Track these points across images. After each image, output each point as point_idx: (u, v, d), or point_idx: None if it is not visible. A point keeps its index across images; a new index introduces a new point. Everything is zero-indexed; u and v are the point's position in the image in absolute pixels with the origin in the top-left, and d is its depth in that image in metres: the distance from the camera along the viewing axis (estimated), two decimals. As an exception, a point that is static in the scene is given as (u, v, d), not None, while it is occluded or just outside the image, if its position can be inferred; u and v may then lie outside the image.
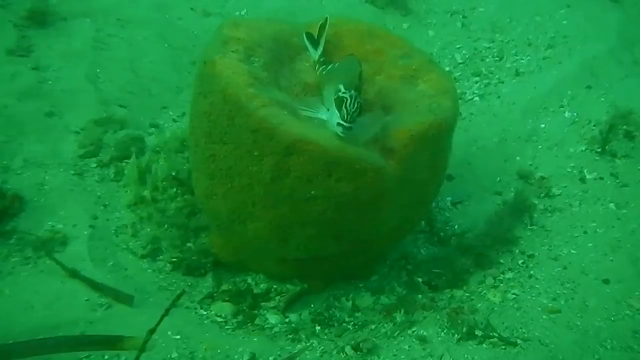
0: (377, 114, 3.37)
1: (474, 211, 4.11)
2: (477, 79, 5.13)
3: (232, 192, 3.27)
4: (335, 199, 3.13)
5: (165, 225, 3.72)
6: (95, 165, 4.06)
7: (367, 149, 3.16)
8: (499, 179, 4.31)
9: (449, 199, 4.20)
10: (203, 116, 3.30)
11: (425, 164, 3.36)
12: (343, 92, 3.08)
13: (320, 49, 3.63)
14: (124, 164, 4.07)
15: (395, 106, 3.49)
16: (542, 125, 4.63)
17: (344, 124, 3.02)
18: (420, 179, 3.37)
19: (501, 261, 3.77)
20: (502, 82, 5.06)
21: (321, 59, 3.57)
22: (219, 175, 3.30)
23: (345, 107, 3.03)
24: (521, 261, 3.76)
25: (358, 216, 3.22)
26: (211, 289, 3.59)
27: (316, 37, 3.68)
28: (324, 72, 3.46)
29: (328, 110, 3.15)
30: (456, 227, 4.03)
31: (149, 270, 3.61)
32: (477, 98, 4.94)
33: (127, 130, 4.28)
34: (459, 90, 4.88)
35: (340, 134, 3.05)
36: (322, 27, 3.69)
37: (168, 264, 3.65)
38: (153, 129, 4.42)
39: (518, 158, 4.43)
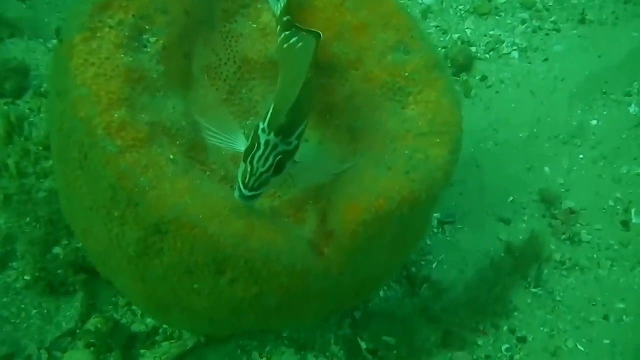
0: (328, 163, 2.22)
1: (465, 243, 3.00)
2: (526, 15, 3.67)
3: (93, 238, 2.21)
4: (227, 301, 2.06)
5: (28, 218, 2.69)
6: (-48, 102, 2.98)
7: (290, 233, 2.03)
8: (511, 198, 3.11)
9: (436, 215, 3.04)
10: (54, 126, 2.13)
11: (383, 249, 2.22)
12: (262, 129, 1.86)
13: None
14: (-6, 105, 2.95)
15: (365, 136, 2.30)
16: (594, 122, 3.27)
17: (242, 190, 1.84)
18: (374, 263, 2.24)
19: (479, 343, 2.76)
20: (558, 31, 3.60)
21: (284, 18, 2.28)
22: (76, 207, 2.22)
23: (251, 163, 1.83)
24: (506, 347, 2.77)
25: (264, 318, 2.17)
26: (74, 322, 2.64)
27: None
28: (285, 46, 2.19)
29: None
30: (434, 265, 2.94)
31: (-10, 287, 2.68)
32: (515, 53, 3.52)
33: (16, 39, 3.07)
34: (493, 31, 3.52)
35: (239, 200, 1.88)
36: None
37: (21, 278, 2.66)
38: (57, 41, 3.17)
39: (547, 169, 3.18)
